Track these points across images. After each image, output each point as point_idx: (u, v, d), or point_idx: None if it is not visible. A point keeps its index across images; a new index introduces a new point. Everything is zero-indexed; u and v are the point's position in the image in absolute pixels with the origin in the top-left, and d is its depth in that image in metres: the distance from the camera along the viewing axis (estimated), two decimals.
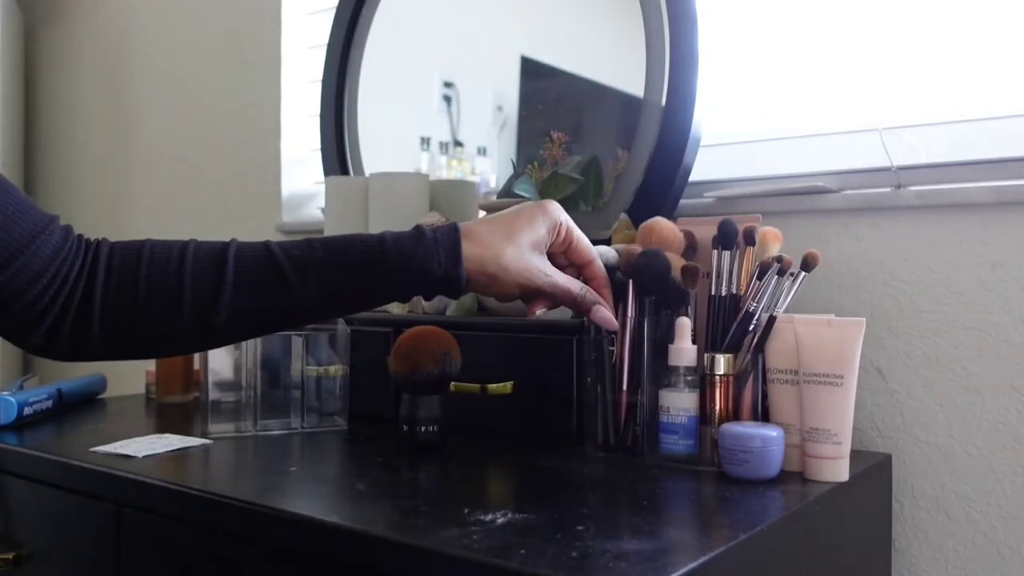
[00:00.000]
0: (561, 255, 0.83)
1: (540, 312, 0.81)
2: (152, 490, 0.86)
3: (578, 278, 0.83)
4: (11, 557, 0.98)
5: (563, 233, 0.80)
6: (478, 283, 0.77)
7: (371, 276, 0.74)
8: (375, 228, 1.30)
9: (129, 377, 1.45)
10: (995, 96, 1.05)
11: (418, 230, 0.76)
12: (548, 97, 1.33)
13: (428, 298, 0.79)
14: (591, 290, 0.83)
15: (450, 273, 0.74)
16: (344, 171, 1.50)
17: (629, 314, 0.95)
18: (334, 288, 0.74)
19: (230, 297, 0.73)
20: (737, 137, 1.22)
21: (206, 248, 0.75)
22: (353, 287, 0.75)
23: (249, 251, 0.75)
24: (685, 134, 1.13)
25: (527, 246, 0.77)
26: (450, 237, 0.75)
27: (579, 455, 0.97)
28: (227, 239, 0.76)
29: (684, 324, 0.91)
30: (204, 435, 1.06)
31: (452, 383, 1.00)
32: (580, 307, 0.82)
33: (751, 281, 0.93)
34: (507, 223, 0.78)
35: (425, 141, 1.47)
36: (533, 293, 0.79)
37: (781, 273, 0.92)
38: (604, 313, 0.83)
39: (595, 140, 1.26)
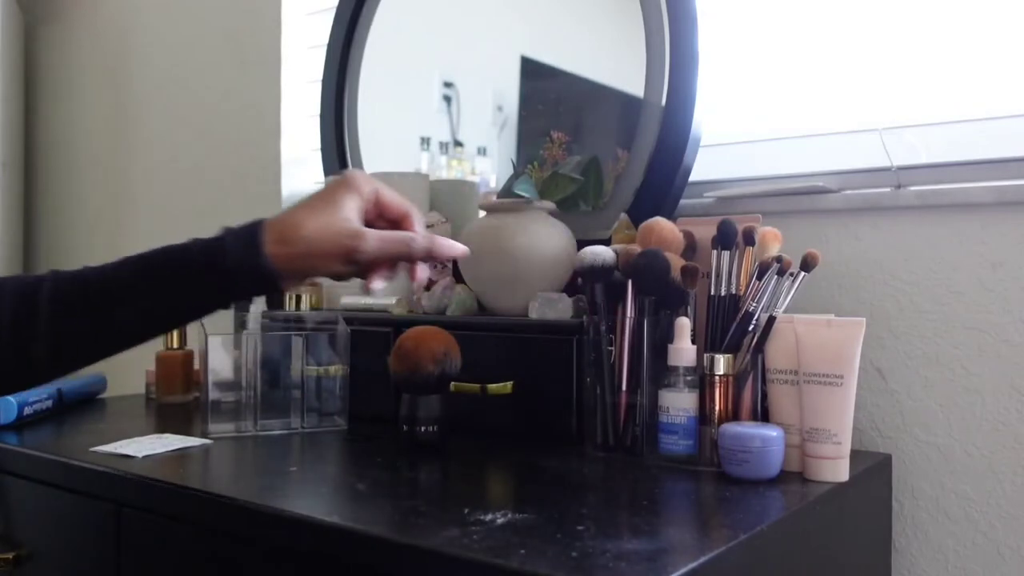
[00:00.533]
0: (378, 220, 0.79)
1: (378, 287, 0.76)
2: (152, 490, 0.86)
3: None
4: (11, 557, 0.98)
5: (373, 197, 0.77)
6: (290, 264, 0.72)
7: (179, 285, 0.73)
8: None
9: (129, 377, 1.45)
10: (995, 96, 1.05)
11: (222, 229, 0.74)
12: (548, 97, 1.33)
13: (245, 296, 0.76)
14: (422, 235, 0.76)
15: (255, 262, 0.71)
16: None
17: (629, 314, 0.95)
18: (146, 306, 0.73)
19: (46, 327, 0.71)
20: (737, 137, 1.22)
21: (25, 280, 0.74)
22: (166, 300, 0.73)
23: (64, 278, 0.74)
24: (685, 134, 1.13)
25: (334, 214, 0.74)
26: (249, 228, 0.73)
27: (579, 455, 0.97)
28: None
29: (684, 324, 0.91)
30: (204, 435, 1.06)
31: (452, 383, 1.00)
32: (415, 252, 0.76)
33: (751, 281, 0.93)
34: (310, 201, 0.75)
35: (425, 141, 1.47)
36: (357, 259, 0.74)
37: (781, 273, 0.92)
38: (445, 241, 0.77)
39: (595, 140, 1.26)
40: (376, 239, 0.74)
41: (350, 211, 0.75)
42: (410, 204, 0.80)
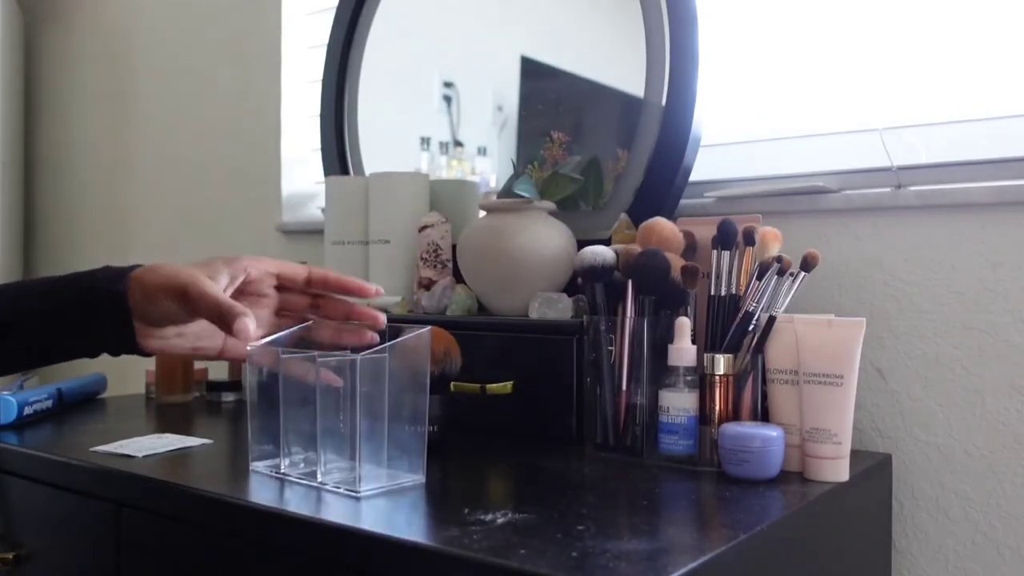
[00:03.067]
0: (277, 290, 0.83)
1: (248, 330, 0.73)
2: (152, 490, 0.86)
3: (315, 298, 0.84)
4: (11, 557, 0.98)
5: (252, 271, 0.80)
6: (142, 291, 0.75)
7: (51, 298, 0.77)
8: (375, 228, 1.30)
9: (129, 377, 1.45)
10: (995, 96, 1.05)
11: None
12: (548, 97, 1.33)
13: (104, 326, 0.77)
14: (240, 307, 0.73)
15: (115, 284, 0.75)
16: (344, 171, 1.50)
17: (629, 314, 0.95)
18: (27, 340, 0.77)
19: None
20: (737, 137, 1.22)
21: None
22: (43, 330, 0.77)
23: None
24: (685, 134, 1.13)
25: (196, 271, 0.76)
26: (120, 268, 0.77)
27: (579, 455, 0.97)
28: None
29: (684, 324, 0.91)
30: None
31: (452, 383, 1.00)
32: (225, 317, 0.73)
33: (751, 281, 0.93)
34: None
35: (425, 141, 1.47)
36: (189, 296, 0.74)
37: (781, 273, 0.92)
38: (245, 323, 0.72)
39: (595, 140, 1.26)
40: (203, 291, 0.74)
41: (216, 274, 0.77)
42: (299, 267, 0.83)
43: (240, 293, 0.80)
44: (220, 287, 0.76)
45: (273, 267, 0.82)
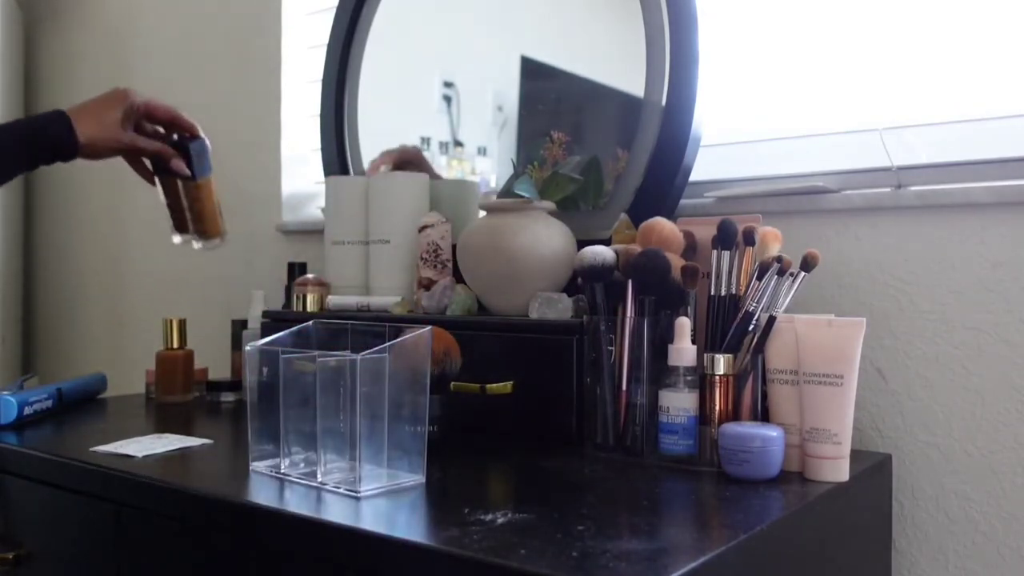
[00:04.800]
0: (145, 118, 1.12)
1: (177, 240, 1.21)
2: (152, 490, 0.86)
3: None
4: (11, 557, 0.99)
5: (140, 107, 1.09)
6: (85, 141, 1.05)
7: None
8: (375, 228, 1.30)
9: (129, 377, 1.45)
10: (995, 96, 1.05)
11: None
12: (548, 97, 1.33)
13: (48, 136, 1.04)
14: (171, 150, 1.13)
15: (63, 133, 1.03)
16: (344, 171, 1.50)
17: (629, 314, 0.95)
18: None
19: None
20: (737, 137, 1.22)
21: None
22: None
23: None
24: (685, 134, 1.13)
25: (112, 120, 1.07)
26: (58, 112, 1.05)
27: (579, 455, 0.97)
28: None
29: (684, 324, 0.91)
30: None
31: (452, 383, 1.00)
32: (164, 157, 1.13)
33: (751, 281, 0.93)
34: (94, 106, 1.07)
35: (425, 141, 1.47)
36: (129, 150, 1.11)
37: (781, 273, 0.92)
38: (178, 163, 1.13)
39: (595, 140, 1.26)
40: (142, 143, 1.11)
41: (119, 114, 1.08)
42: (175, 109, 1.13)
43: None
44: (133, 132, 1.10)
45: (149, 106, 1.11)
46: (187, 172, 1.13)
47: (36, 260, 2.25)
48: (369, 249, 1.31)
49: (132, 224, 2.02)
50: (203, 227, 1.18)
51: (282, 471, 0.85)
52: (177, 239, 1.20)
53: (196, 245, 1.19)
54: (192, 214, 1.17)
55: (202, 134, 1.15)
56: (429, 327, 0.85)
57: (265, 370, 0.86)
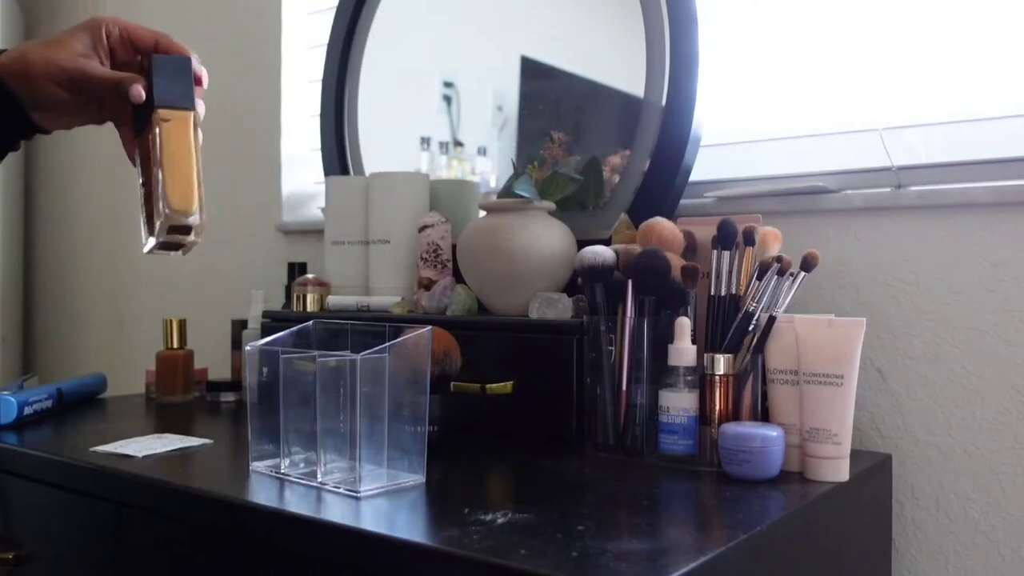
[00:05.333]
0: (131, 51, 0.78)
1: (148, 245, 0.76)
2: (152, 490, 0.86)
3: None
4: (11, 557, 0.98)
5: (114, 31, 0.77)
6: (17, 77, 0.73)
7: None
8: (375, 228, 1.30)
9: (129, 377, 1.45)
10: (995, 96, 1.05)
11: None
12: (548, 97, 1.33)
13: None
14: (133, 76, 0.75)
15: None
16: (344, 171, 1.50)
17: (629, 314, 0.95)
18: None
19: None
20: (737, 137, 1.22)
21: None
22: None
23: None
24: (685, 134, 1.13)
25: (65, 46, 0.75)
26: None
27: (579, 455, 0.97)
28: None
29: (684, 324, 0.91)
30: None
31: (452, 383, 1.00)
32: (121, 87, 0.74)
33: (751, 281, 0.93)
34: (47, 41, 0.76)
35: (425, 141, 1.47)
36: (79, 81, 0.74)
37: (781, 273, 0.92)
38: (136, 88, 0.74)
39: (595, 140, 1.26)
40: (95, 73, 0.75)
41: (87, 47, 0.76)
42: (158, 33, 0.79)
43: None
44: (96, 61, 0.76)
45: (129, 29, 0.79)
46: (141, 96, 0.74)
47: (36, 260, 2.25)
48: (369, 249, 1.31)
49: (132, 224, 2.02)
50: (170, 194, 0.73)
51: (282, 471, 0.85)
52: (148, 245, 0.76)
53: (157, 234, 0.74)
54: (159, 179, 0.74)
55: (192, 57, 0.79)
56: (429, 327, 0.85)
57: (265, 370, 0.86)
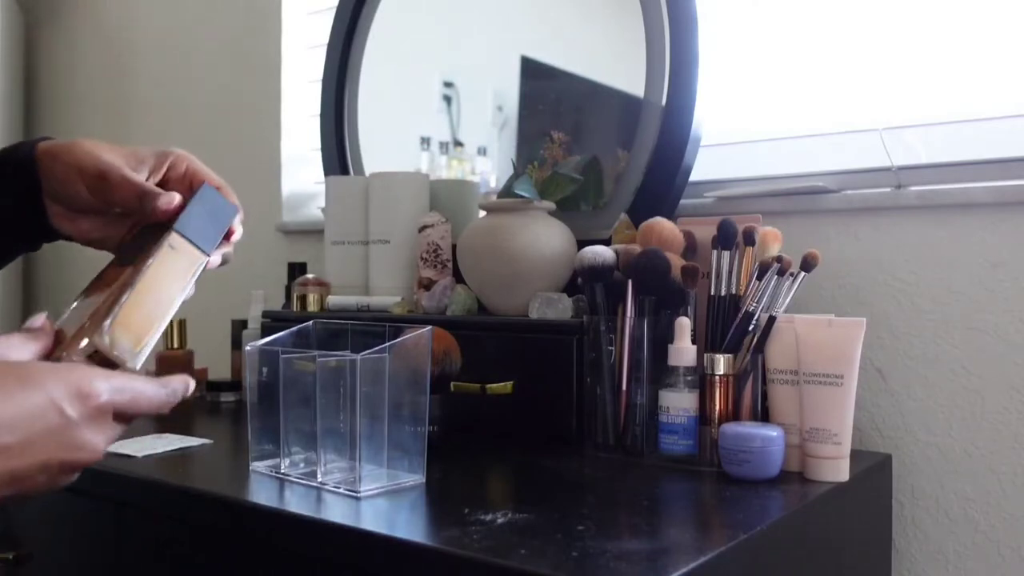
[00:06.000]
0: (188, 192, 0.69)
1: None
2: (152, 490, 0.86)
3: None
4: (11, 557, 0.98)
5: (181, 167, 0.71)
6: (50, 164, 0.67)
7: None
8: (375, 228, 1.30)
9: None
10: (995, 96, 1.05)
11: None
12: (548, 97, 1.33)
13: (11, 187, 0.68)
14: (159, 189, 0.66)
15: (27, 148, 0.67)
16: (344, 171, 1.50)
17: (629, 314, 0.95)
18: None
19: None
20: (737, 137, 1.22)
21: None
22: None
23: None
24: (685, 134, 1.13)
25: (117, 150, 0.68)
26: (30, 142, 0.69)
27: (579, 455, 0.97)
28: None
29: (684, 324, 0.91)
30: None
31: (452, 383, 1.00)
32: (147, 198, 0.65)
33: (751, 281, 0.93)
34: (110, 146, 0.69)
35: (425, 141, 1.47)
36: (104, 178, 0.66)
37: (781, 273, 0.92)
38: (168, 198, 0.65)
39: (595, 140, 1.26)
40: (124, 176, 0.66)
41: (133, 160, 0.69)
42: (216, 178, 0.73)
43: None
44: (143, 176, 0.68)
45: (196, 170, 0.72)
46: (171, 205, 0.65)
47: (36, 260, 2.25)
48: (369, 249, 1.31)
49: None
50: (120, 319, 0.62)
51: (282, 471, 0.85)
52: (65, 351, 0.59)
53: (73, 351, 0.59)
54: (120, 299, 0.62)
55: (240, 211, 0.73)
56: (429, 327, 0.85)
57: (265, 370, 0.86)
